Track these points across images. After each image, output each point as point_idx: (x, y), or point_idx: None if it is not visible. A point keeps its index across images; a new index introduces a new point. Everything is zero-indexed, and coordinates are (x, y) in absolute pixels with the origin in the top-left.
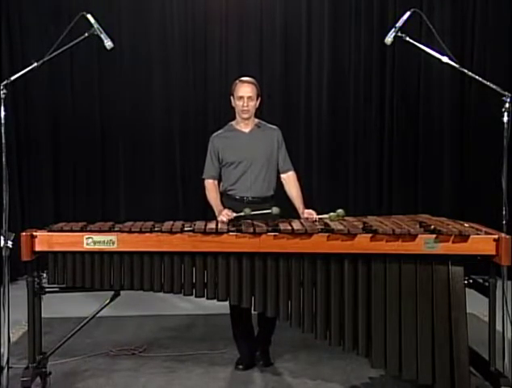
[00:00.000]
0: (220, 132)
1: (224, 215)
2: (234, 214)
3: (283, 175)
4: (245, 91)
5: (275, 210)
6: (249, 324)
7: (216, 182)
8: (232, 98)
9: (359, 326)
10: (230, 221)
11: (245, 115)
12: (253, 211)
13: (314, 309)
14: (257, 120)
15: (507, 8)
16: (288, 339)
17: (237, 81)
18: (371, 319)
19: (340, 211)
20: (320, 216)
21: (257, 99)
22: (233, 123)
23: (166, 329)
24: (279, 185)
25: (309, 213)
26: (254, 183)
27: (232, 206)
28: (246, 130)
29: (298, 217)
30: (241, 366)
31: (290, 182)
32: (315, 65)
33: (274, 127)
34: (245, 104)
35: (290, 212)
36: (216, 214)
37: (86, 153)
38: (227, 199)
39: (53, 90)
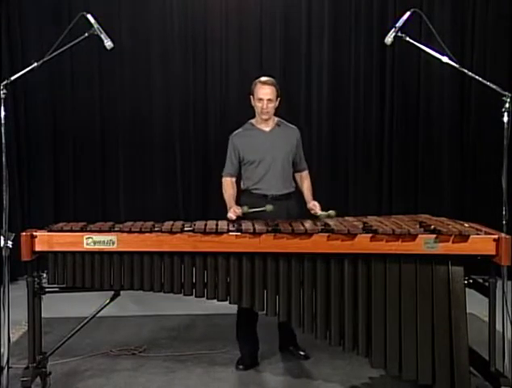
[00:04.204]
0: (239, 130)
1: (232, 212)
2: (253, 210)
3: (298, 174)
4: (264, 93)
5: (269, 208)
6: (254, 325)
7: (234, 179)
8: (251, 97)
9: (359, 326)
10: (238, 218)
11: (265, 117)
12: (250, 208)
13: (314, 309)
14: (277, 119)
15: (507, 8)
16: None
17: (257, 81)
18: (371, 319)
19: (331, 212)
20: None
21: (276, 100)
22: (253, 121)
23: (166, 329)
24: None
25: (314, 205)
26: (277, 181)
27: (254, 203)
28: (267, 129)
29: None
30: (241, 366)
31: (303, 179)
32: (315, 65)
33: (294, 127)
34: (265, 106)
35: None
36: (228, 210)
37: (86, 154)
38: (249, 196)
39: (53, 90)
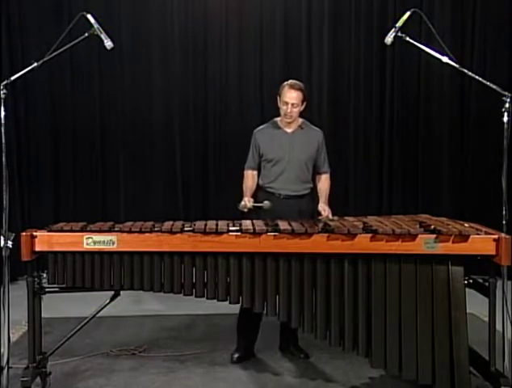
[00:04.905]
0: (263, 127)
1: (243, 204)
2: (253, 204)
3: (318, 175)
4: (290, 97)
5: (267, 205)
6: (258, 318)
7: (255, 172)
8: (278, 98)
9: (359, 326)
10: (250, 210)
11: (288, 120)
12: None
13: (314, 310)
14: (301, 120)
15: (507, 8)
16: None
17: (286, 84)
18: (371, 319)
19: (335, 217)
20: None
21: (302, 104)
22: (278, 120)
23: (166, 329)
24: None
25: (323, 209)
26: (291, 182)
27: (268, 200)
28: (289, 130)
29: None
30: (235, 358)
31: (321, 182)
32: (315, 65)
33: (318, 129)
34: (289, 110)
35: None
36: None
37: (86, 154)
38: (264, 193)
39: (53, 90)
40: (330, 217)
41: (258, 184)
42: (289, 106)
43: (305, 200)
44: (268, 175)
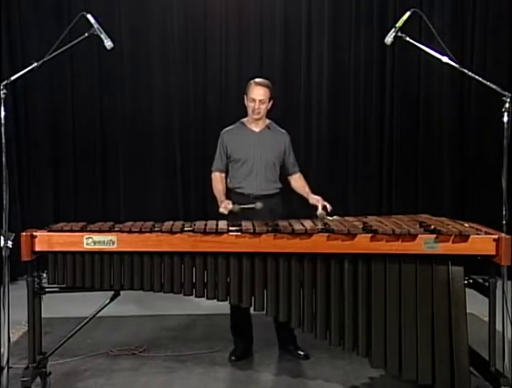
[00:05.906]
0: (230, 128)
1: (224, 207)
2: (231, 206)
3: (291, 177)
4: (257, 94)
5: (259, 205)
6: (247, 318)
7: (223, 174)
8: (245, 97)
9: (359, 326)
10: (230, 213)
11: (256, 117)
12: (240, 205)
13: (314, 309)
14: (268, 121)
15: (507, 8)
16: None
17: (252, 82)
18: (371, 319)
19: (335, 217)
20: None
21: (269, 102)
22: (245, 120)
23: (166, 329)
24: (285, 181)
25: (316, 199)
26: (260, 181)
27: (238, 201)
28: (256, 129)
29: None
30: (233, 357)
31: (298, 181)
32: (315, 65)
33: (284, 131)
34: (257, 106)
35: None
36: (219, 205)
37: (86, 153)
38: (235, 195)
39: (53, 91)
40: (326, 204)
41: (226, 187)
42: (257, 102)
43: (275, 200)
44: (236, 175)
